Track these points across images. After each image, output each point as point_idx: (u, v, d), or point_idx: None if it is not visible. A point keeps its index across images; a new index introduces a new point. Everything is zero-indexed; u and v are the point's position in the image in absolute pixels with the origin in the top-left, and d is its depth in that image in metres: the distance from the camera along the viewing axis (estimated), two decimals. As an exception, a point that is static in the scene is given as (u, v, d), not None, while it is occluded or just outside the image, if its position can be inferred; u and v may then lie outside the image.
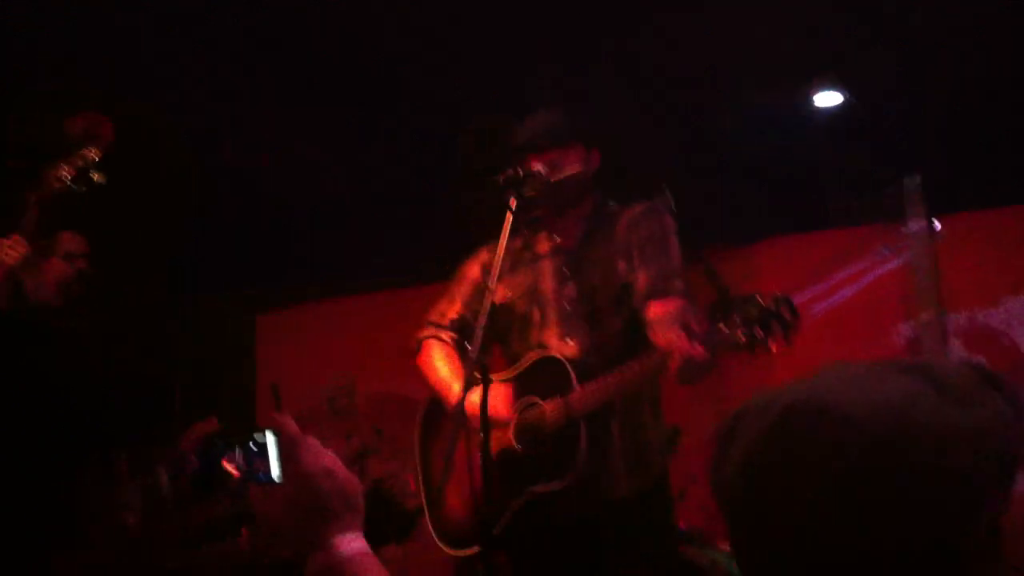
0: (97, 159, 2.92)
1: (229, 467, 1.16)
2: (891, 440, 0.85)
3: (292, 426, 1.18)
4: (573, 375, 2.71)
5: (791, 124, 5.08)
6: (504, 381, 2.87)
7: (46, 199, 2.87)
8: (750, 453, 0.93)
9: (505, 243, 2.64)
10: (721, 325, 2.36)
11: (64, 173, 2.88)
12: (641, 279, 2.80)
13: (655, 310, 2.70)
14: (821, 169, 5.44)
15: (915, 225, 5.93)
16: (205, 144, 4.92)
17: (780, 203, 5.63)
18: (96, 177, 2.89)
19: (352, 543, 1.13)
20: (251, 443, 1.18)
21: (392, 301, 6.93)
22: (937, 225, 5.96)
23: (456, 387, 2.88)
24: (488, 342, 2.58)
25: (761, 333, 2.28)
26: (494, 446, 2.76)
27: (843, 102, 4.98)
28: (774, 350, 2.30)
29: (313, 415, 6.38)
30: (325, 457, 1.17)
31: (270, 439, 1.18)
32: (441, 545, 2.92)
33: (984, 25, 4.27)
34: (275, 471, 1.17)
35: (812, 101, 4.97)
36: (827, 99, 4.98)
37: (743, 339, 2.30)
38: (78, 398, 0.84)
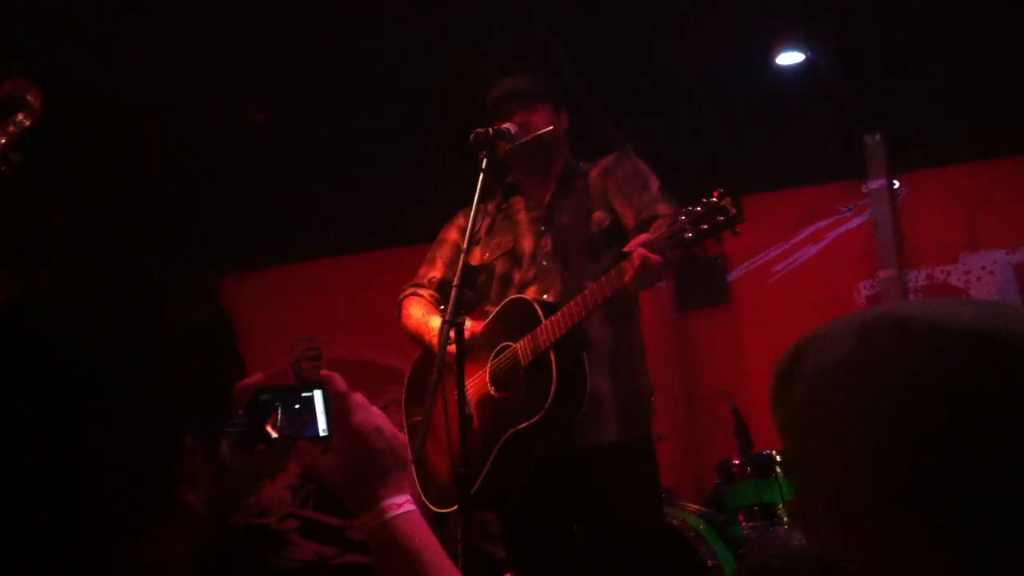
0: (27, 124, 2.84)
1: (270, 428, 1.16)
2: (979, 343, 0.87)
3: (340, 383, 1.18)
4: (539, 309, 2.73)
5: (753, 83, 5.09)
6: (477, 333, 2.88)
7: None
8: (831, 367, 0.92)
9: (477, 201, 2.65)
10: (668, 228, 2.43)
11: None
12: (628, 216, 2.85)
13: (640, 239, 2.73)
14: (783, 128, 5.46)
15: (876, 183, 5.98)
16: (167, 107, 4.85)
17: (742, 161, 5.65)
18: (14, 157, 2.79)
19: (399, 502, 1.14)
20: (295, 399, 1.18)
21: (358, 265, 6.91)
22: (896, 183, 6.01)
23: (433, 322, 2.90)
24: (471, 304, 2.59)
25: (706, 227, 2.34)
26: (472, 396, 2.77)
27: (804, 60, 5.00)
28: (721, 242, 2.35)
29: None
30: (375, 414, 1.18)
31: (317, 395, 1.18)
32: (428, 504, 2.94)
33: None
34: (322, 426, 1.17)
35: (774, 60, 4.97)
36: (789, 58, 4.99)
37: (690, 235, 2.36)
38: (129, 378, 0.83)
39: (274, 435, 1.17)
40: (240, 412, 1.11)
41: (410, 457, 1.19)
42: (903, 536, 0.89)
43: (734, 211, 2.36)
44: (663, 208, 2.77)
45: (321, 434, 1.17)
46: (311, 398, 1.18)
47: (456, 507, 2.58)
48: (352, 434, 1.15)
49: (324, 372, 1.19)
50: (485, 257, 2.99)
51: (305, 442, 1.17)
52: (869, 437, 0.89)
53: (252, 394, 1.15)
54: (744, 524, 4.25)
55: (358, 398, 1.18)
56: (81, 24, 4.11)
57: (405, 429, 3.13)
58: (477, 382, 2.85)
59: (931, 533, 0.87)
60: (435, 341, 2.82)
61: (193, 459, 0.95)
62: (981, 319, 0.89)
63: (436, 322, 2.90)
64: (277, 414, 1.17)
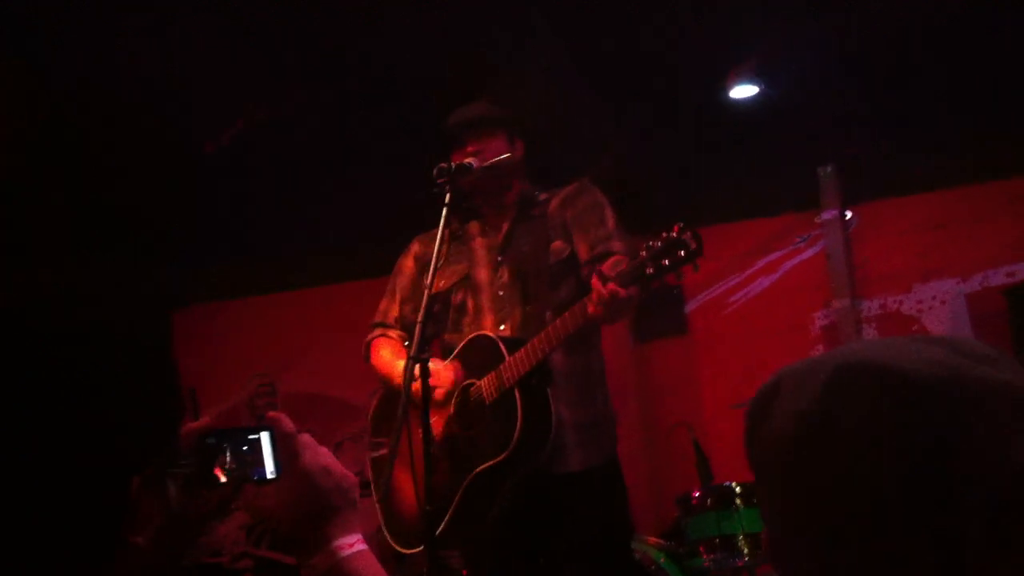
0: None
1: (218, 472, 1.13)
2: (948, 392, 0.88)
3: (288, 423, 1.17)
4: (503, 346, 2.72)
5: (708, 116, 5.13)
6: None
7: None
8: (801, 415, 0.92)
9: (440, 236, 2.66)
10: (630, 263, 2.44)
11: None
12: (582, 248, 2.87)
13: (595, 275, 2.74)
14: (738, 160, 5.51)
15: (829, 214, 6.05)
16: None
17: (698, 193, 5.69)
18: None
19: (351, 542, 1.13)
20: (244, 441, 1.15)
21: (312, 299, 6.85)
22: (848, 214, 6.08)
23: (400, 365, 2.89)
24: (424, 339, 2.57)
25: (667, 262, 2.35)
26: (438, 435, 2.75)
27: (758, 93, 5.05)
28: (682, 277, 2.36)
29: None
30: (322, 454, 1.16)
31: (264, 437, 1.16)
32: (393, 544, 2.91)
33: (897, 14, 4.35)
34: (269, 469, 1.15)
35: (728, 93, 5.02)
36: (743, 91, 5.04)
37: (651, 270, 2.37)
38: (90, 412, 0.81)
39: (222, 479, 1.14)
40: (186, 455, 1.09)
41: (358, 496, 1.17)
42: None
43: (694, 245, 2.37)
44: (617, 245, 2.81)
45: (269, 476, 1.14)
46: (258, 440, 1.15)
47: (421, 547, 2.55)
48: (300, 475, 1.14)
49: (271, 413, 1.17)
50: (440, 285, 2.98)
51: (252, 487, 1.14)
52: (830, 488, 0.90)
53: (198, 436, 1.13)
54: (705, 556, 4.23)
55: (305, 438, 1.16)
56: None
57: (368, 465, 3.10)
58: (442, 420, 2.82)
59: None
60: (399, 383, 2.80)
61: (140, 500, 0.94)
62: (952, 367, 0.89)
63: (402, 364, 2.88)
64: (224, 457, 1.15)
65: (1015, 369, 0.93)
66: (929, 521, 0.86)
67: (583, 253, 2.87)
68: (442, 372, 2.81)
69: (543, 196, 3.05)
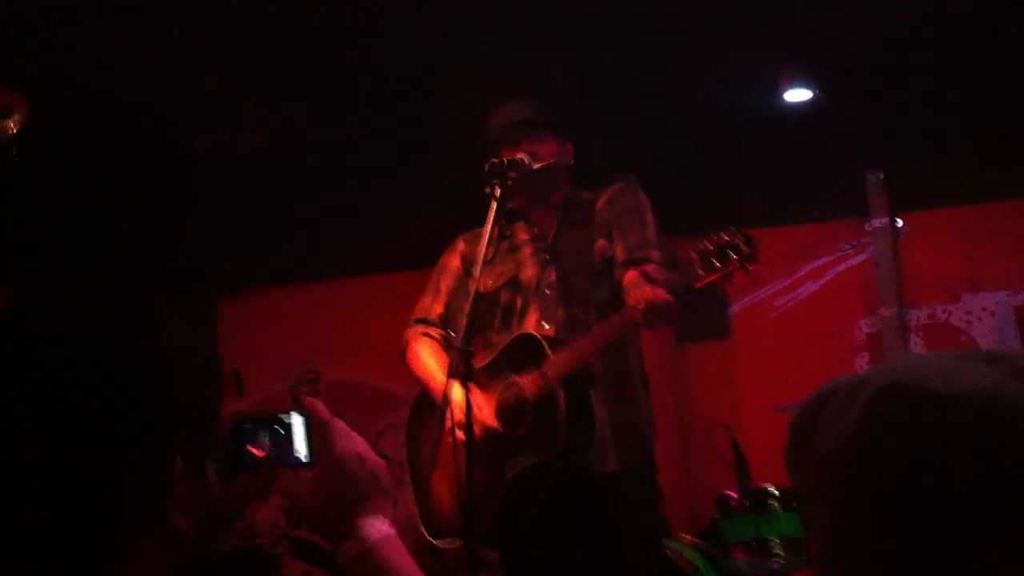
0: (13, 132, 2.83)
1: (254, 450, 1.16)
2: (987, 420, 0.86)
3: (323, 410, 1.18)
4: (546, 345, 2.72)
5: (760, 118, 5.10)
6: (482, 367, 2.87)
7: None
8: (844, 436, 0.92)
9: (489, 233, 2.65)
10: (681, 267, 2.42)
11: None
12: (619, 249, 2.86)
13: (631, 276, 2.72)
14: (788, 164, 5.47)
15: (878, 221, 5.99)
16: (165, 119, 4.86)
17: (747, 196, 5.65)
18: (13, 152, 2.80)
19: (381, 527, 1.14)
20: (278, 426, 1.18)
21: (356, 289, 6.90)
22: (899, 222, 6.02)
23: (441, 377, 2.88)
24: (472, 332, 2.58)
25: (719, 264, 2.32)
26: (478, 432, 2.76)
27: (812, 98, 5.01)
28: (733, 280, 2.34)
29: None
30: (356, 442, 1.17)
31: (297, 421, 1.19)
32: (428, 536, 2.92)
33: (951, 24, 4.30)
34: (303, 453, 1.18)
35: (782, 96, 4.99)
36: (797, 95, 5.01)
37: (701, 274, 2.34)
38: (122, 394, 0.83)
39: (260, 455, 1.17)
40: (223, 440, 1.11)
41: (389, 484, 1.18)
42: None
43: (747, 249, 2.34)
44: (655, 254, 2.78)
45: (303, 460, 1.17)
46: (292, 425, 1.18)
47: (459, 541, 2.56)
48: (333, 461, 1.15)
49: (307, 400, 1.19)
50: (488, 285, 2.98)
51: (287, 469, 1.17)
52: (869, 513, 0.89)
53: (234, 422, 1.15)
54: (739, 558, 4.22)
55: (339, 425, 1.18)
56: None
57: (407, 460, 3.11)
58: (483, 418, 2.83)
59: None
60: (439, 395, 2.79)
61: (181, 485, 0.95)
62: (994, 395, 0.88)
63: (443, 377, 2.86)
64: (263, 441, 1.17)
65: None
66: (963, 552, 0.85)
67: (620, 254, 2.85)
68: (483, 408, 2.79)
69: (585, 195, 3.04)
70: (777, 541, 4.15)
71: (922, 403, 0.89)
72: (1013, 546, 0.85)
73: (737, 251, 2.34)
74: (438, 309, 3.10)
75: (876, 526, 0.89)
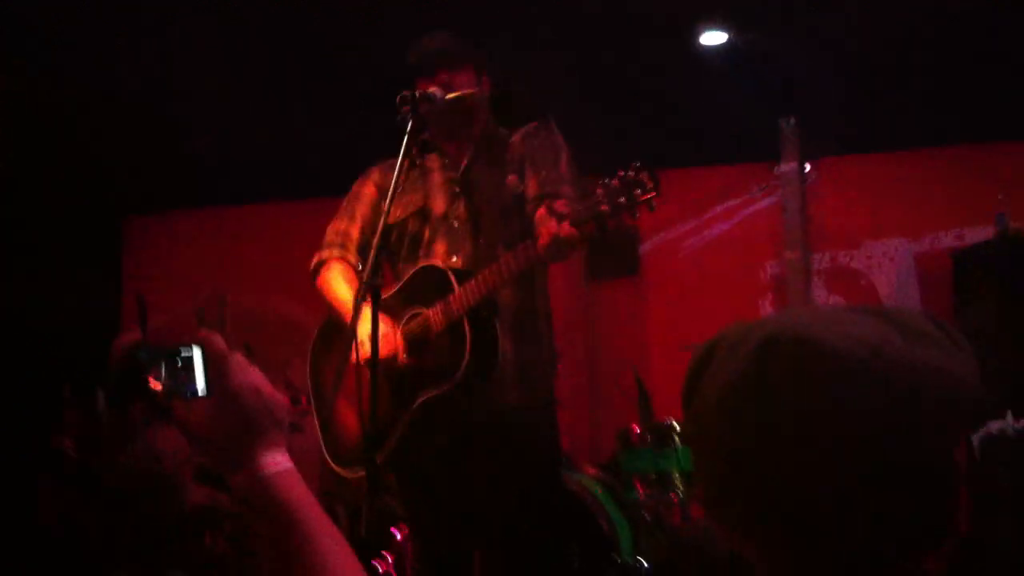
0: None
1: (152, 381, 1.15)
2: (869, 371, 0.90)
3: (219, 342, 1.18)
4: (452, 277, 2.74)
5: (676, 60, 5.12)
6: (388, 297, 2.86)
7: None
8: (729, 383, 0.95)
9: (400, 163, 2.62)
10: (585, 200, 2.44)
11: None
12: (531, 185, 2.86)
13: (541, 212, 2.73)
14: (701, 106, 5.52)
15: (787, 166, 6.10)
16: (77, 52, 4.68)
17: (659, 138, 5.70)
18: None
19: (277, 460, 1.14)
20: (175, 357, 1.17)
21: (269, 214, 6.81)
22: (807, 167, 6.14)
23: (350, 306, 2.87)
24: (378, 264, 2.56)
25: (623, 200, 2.35)
26: (383, 363, 2.77)
27: (727, 41, 5.04)
28: (637, 217, 2.36)
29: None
30: (252, 374, 1.18)
31: (196, 353, 1.18)
32: (332, 464, 2.94)
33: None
34: (200, 386, 1.17)
35: (698, 39, 5.01)
36: (712, 38, 5.04)
37: (606, 207, 2.37)
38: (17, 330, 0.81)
39: (158, 388, 1.16)
40: (116, 367, 1.10)
41: (286, 418, 1.18)
42: (777, 540, 0.93)
43: (651, 185, 2.36)
44: (566, 189, 2.78)
45: (199, 393, 1.16)
46: (190, 357, 1.17)
47: (361, 472, 2.58)
48: (229, 393, 1.16)
49: (203, 332, 1.19)
50: (396, 215, 2.96)
51: (181, 402, 1.16)
52: (755, 452, 0.92)
53: (129, 350, 1.14)
54: (640, 490, 4.34)
55: (237, 357, 1.18)
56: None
57: (312, 389, 3.11)
58: (388, 349, 2.84)
59: (806, 544, 0.91)
60: (347, 323, 2.78)
61: (71, 408, 0.95)
62: (877, 347, 0.91)
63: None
64: (158, 370, 1.17)
65: (952, 349, 0.94)
66: (851, 496, 0.89)
67: (532, 190, 2.86)
68: (389, 338, 2.80)
69: (504, 132, 3.04)
70: (677, 474, 4.26)
71: (805, 353, 0.92)
72: (888, 493, 0.89)
73: (642, 187, 2.36)
74: (354, 233, 3.08)
75: (764, 475, 0.92)
